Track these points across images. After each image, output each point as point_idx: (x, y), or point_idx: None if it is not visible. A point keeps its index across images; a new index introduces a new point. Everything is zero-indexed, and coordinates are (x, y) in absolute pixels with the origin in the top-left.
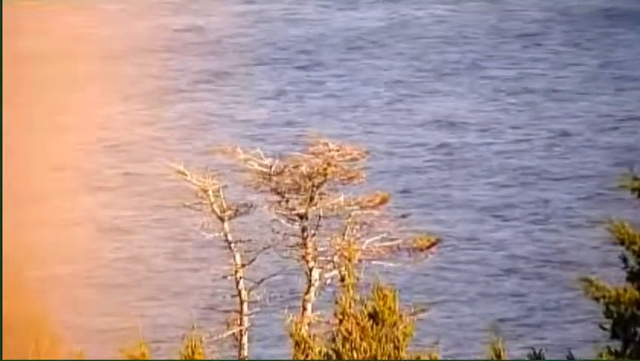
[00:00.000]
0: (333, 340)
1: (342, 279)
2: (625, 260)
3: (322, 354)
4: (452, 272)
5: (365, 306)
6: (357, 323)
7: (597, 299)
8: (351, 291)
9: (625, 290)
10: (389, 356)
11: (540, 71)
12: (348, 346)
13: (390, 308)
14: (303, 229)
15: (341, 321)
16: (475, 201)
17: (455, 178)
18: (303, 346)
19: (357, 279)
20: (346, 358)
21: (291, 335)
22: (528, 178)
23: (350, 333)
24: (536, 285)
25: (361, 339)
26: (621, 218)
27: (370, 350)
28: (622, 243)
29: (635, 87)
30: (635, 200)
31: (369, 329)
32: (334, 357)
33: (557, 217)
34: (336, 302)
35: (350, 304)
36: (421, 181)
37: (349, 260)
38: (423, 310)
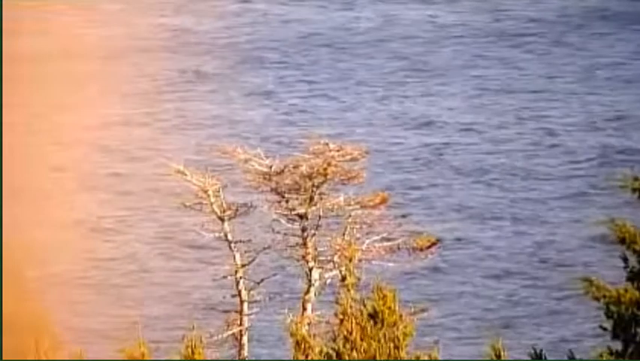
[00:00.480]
0: (334, 340)
1: (344, 279)
2: (625, 260)
3: (323, 354)
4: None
5: (365, 306)
6: (358, 323)
7: (597, 299)
8: (352, 291)
9: (626, 290)
10: (389, 355)
11: (531, 71)
12: (348, 346)
13: (390, 308)
14: (303, 229)
15: (342, 321)
16: (464, 201)
17: (445, 177)
18: (303, 346)
19: (359, 279)
20: (347, 358)
21: (292, 335)
22: (516, 177)
23: (351, 333)
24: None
25: (362, 339)
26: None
27: (370, 350)
28: (622, 242)
29: (625, 87)
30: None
31: (370, 329)
32: (334, 357)
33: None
34: (337, 302)
35: (351, 304)
36: (411, 181)
37: (350, 260)
38: (423, 311)
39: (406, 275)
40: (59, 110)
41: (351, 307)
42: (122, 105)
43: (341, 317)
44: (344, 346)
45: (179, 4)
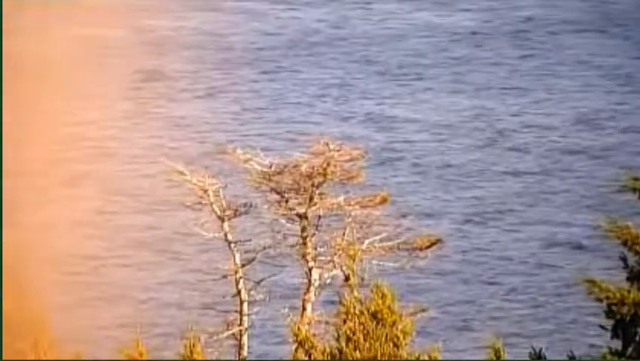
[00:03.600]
0: (337, 339)
1: (347, 278)
2: (624, 260)
3: (326, 354)
4: None
5: (368, 308)
6: (361, 323)
7: (600, 300)
8: (355, 291)
9: (629, 291)
10: (389, 355)
11: (474, 69)
12: (351, 345)
13: (389, 308)
14: (303, 229)
15: (345, 321)
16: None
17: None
18: (306, 345)
19: (362, 279)
20: (350, 357)
21: (295, 335)
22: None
23: (354, 333)
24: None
25: (365, 339)
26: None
27: (373, 350)
28: (624, 244)
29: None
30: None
31: (373, 329)
32: (337, 357)
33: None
34: (340, 302)
35: (354, 304)
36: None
37: (353, 260)
38: (423, 310)
39: None
40: (57, 110)
41: (354, 307)
42: (121, 105)
43: (344, 316)
44: (347, 345)
45: (182, 4)
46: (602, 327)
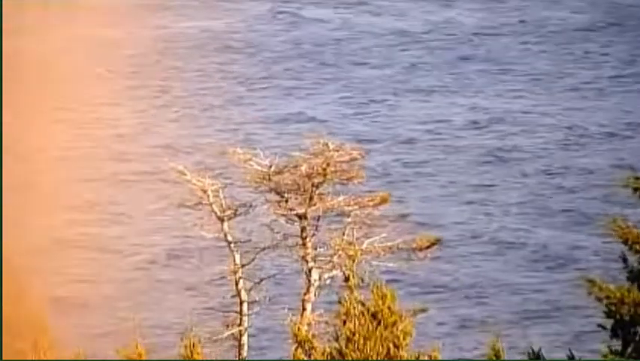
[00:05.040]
0: (336, 340)
1: (347, 279)
2: (625, 259)
3: (326, 354)
4: None
5: (368, 309)
6: (361, 324)
7: (600, 300)
8: (355, 291)
9: (629, 291)
10: (389, 355)
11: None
12: (351, 346)
13: (389, 308)
14: (303, 229)
15: (344, 322)
16: None
17: None
18: (305, 346)
19: (362, 280)
20: (349, 358)
21: (295, 335)
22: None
23: (354, 333)
24: None
25: (365, 339)
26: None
27: (373, 350)
28: (625, 242)
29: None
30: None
31: (374, 330)
32: (337, 357)
33: None
34: (340, 302)
35: (354, 304)
36: None
37: (353, 260)
38: (423, 310)
39: None
40: (57, 109)
41: (354, 307)
42: (120, 105)
43: (344, 317)
44: (346, 346)
45: (182, 5)
46: (601, 326)
